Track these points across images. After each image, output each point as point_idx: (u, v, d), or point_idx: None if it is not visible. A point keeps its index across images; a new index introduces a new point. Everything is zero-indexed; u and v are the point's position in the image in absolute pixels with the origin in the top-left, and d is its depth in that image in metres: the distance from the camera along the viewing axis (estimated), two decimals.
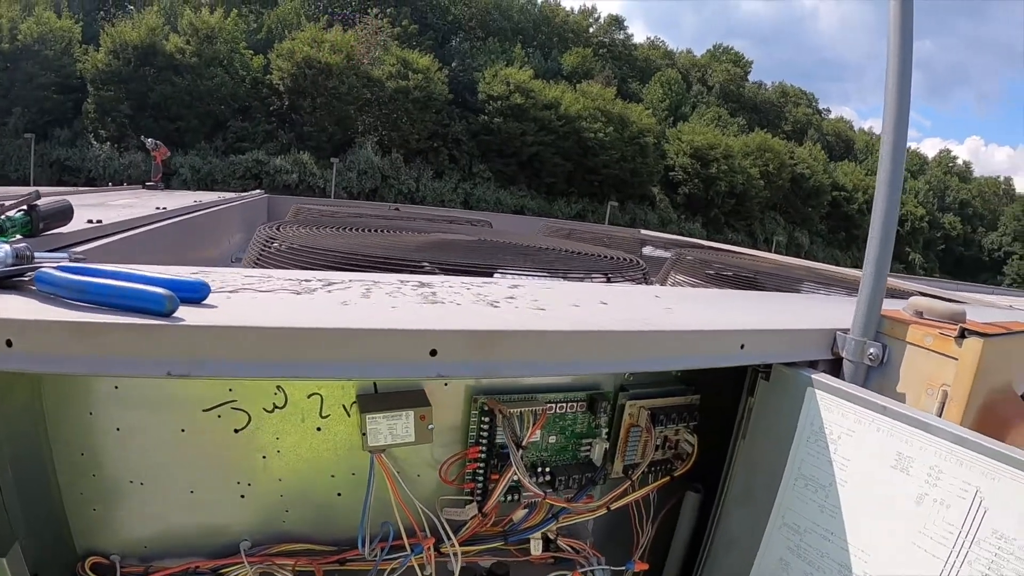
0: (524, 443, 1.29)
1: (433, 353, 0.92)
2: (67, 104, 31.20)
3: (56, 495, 1.18)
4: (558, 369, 1.04)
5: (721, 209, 42.66)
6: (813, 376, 1.17)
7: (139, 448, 1.19)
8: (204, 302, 0.93)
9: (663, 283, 3.46)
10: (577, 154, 38.36)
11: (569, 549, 1.46)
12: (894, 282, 3.36)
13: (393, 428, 1.18)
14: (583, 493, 1.40)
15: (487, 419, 1.31)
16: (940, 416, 1.11)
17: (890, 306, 1.26)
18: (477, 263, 2.10)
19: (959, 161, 60.14)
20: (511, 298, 1.23)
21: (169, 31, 32.82)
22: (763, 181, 42.81)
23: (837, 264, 6.36)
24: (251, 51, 34.95)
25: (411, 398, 1.22)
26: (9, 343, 0.78)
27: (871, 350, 1.21)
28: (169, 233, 2.78)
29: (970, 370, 1.10)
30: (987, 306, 2.67)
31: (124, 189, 6.04)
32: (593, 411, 1.40)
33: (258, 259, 2.20)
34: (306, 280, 1.22)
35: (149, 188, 6.21)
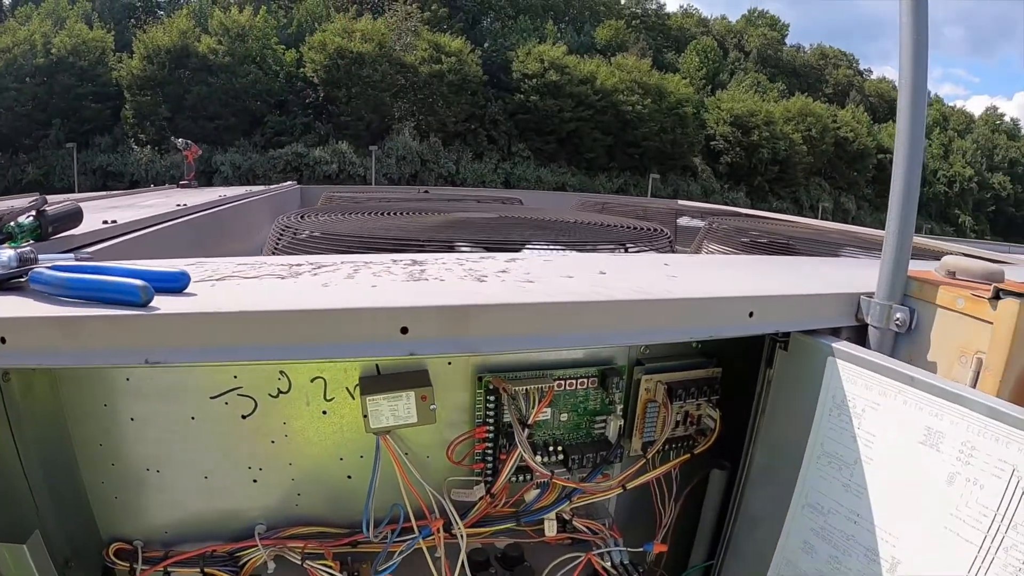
0: (530, 422, 1.24)
1: (404, 331, 0.90)
2: (105, 112, 32.11)
3: (80, 485, 1.23)
4: (537, 343, 1.00)
5: (764, 177, 41.72)
6: (834, 345, 1.08)
7: (153, 437, 1.22)
8: (186, 291, 0.96)
9: (696, 253, 3.37)
10: (616, 128, 37.95)
11: (585, 530, 1.41)
12: (938, 245, 3.20)
13: (395, 409, 1.17)
14: (597, 472, 1.35)
15: (492, 398, 1.27)
16: (974, 387, 1.00)
17: (926, 268, 1.17)
18: (494, 240, 2.05)
19: (1007, 118, 57.02)
20: (503, 271, 1.19)
21: (200, 33, 33.41)
22: (806, 147, 41.67)
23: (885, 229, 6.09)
24: (283, 46, 35.29)
25: (413, 379, 1.20)
26: (3, 340, 0.82)
27: (897, 315, 1.10)
28: (188, 229, 2.81)
29: (1007, 335, 0.98)
30: None
31: (156, 190, 6.12)
32: (605, 387, 1.33)
33: (275, 249, 2.20)
34: (296, 265, 1.22)
35: (183, 187, 6.31)
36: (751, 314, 1.05)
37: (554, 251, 1.94)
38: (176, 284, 0.96)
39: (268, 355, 0.89)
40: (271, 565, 1.28)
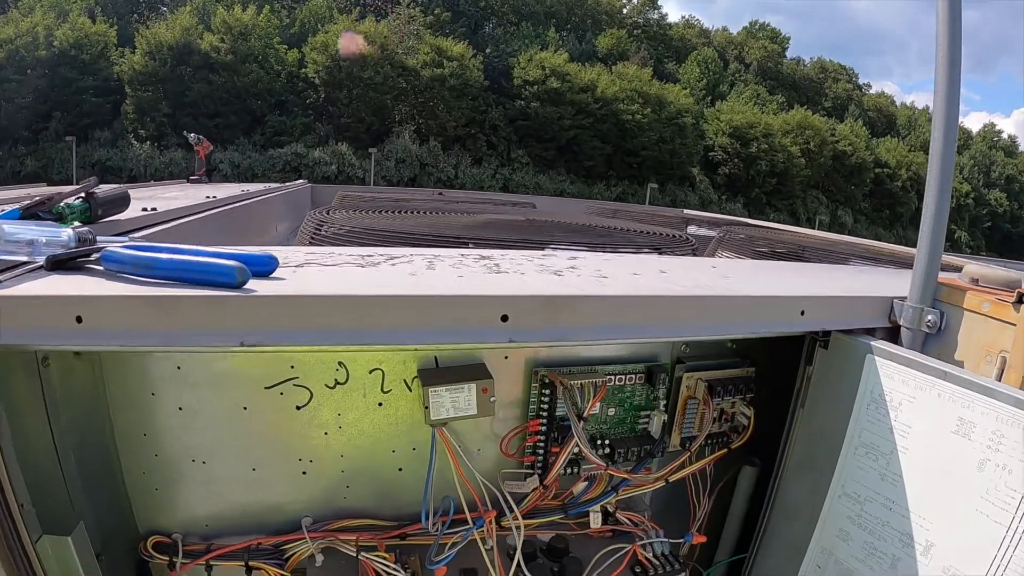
0: (585, 415, 1.31)
1: (504, 319, 0.93)
2: (106, 106, 31.94)
3: (119, 476, 1.21)
4: (626, 334, 1.04)
5: (762, 189, 41.81)
6: (872, 343, 1.17)
7: (201, 427, 1.21)
8: (272, 275, 0.95)
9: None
10: (615, 136, 37.94)
11: (628, 522, 1.49)
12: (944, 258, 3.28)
13: (456, 401, 1.20)
14: (642, 465, 1.42)
15: (548, 392, 1.32)
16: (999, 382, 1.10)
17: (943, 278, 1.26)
18: (531, 239, 2.10)
19: (1004, 135, 57.49)
20: (573, 267, 1.25)
21: (203, 30, 33.34)
22: (804, 159, 41.77)
23: None
24: (285, 46, 35.26)
25: (473, 371, 1.24)
26: (79, 319, 0.78)
27: (929, 317, 1.20)
28: (219, 220, 2.79)
29: None
30: None
31: (170, 183, 6.15)
32: (651, 383, 1.41)
33: (311, 242, 2.23)
34: (368, 255, 1.23)
35: (193, 182, 6.32)
36: (803, 312, 1.14)
37: (601, 252, 1.99)
38: (265, 268, 0.95)
39: (366, 339, 0.89)
40: (319, 558, 1.28)
